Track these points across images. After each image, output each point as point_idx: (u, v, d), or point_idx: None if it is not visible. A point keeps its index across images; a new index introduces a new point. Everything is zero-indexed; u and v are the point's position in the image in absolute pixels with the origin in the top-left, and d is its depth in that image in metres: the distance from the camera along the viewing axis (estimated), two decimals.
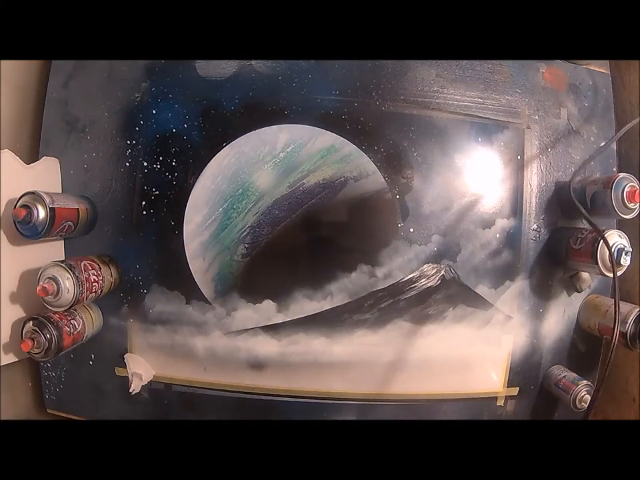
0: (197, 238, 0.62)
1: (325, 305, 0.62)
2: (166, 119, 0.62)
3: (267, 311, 0.62)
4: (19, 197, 0.53)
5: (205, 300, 0.62)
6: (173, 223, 0.62)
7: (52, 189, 0.61)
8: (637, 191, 0.56)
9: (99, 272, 0.57)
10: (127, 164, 0.62)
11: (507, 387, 0.66)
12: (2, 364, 0.56)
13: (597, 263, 0.57)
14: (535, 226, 0.66)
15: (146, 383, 0.63)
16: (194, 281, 0.62)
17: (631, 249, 0.56)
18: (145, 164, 0.62)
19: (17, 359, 0.58)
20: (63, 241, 0.63)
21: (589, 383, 0.62)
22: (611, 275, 0.57)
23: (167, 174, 0.62)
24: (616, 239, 0.57)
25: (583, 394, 0.60)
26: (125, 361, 0.62)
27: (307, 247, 0.64)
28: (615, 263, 0.55)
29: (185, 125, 0.62)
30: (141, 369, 0.62)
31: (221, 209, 0.62)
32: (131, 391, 0.62)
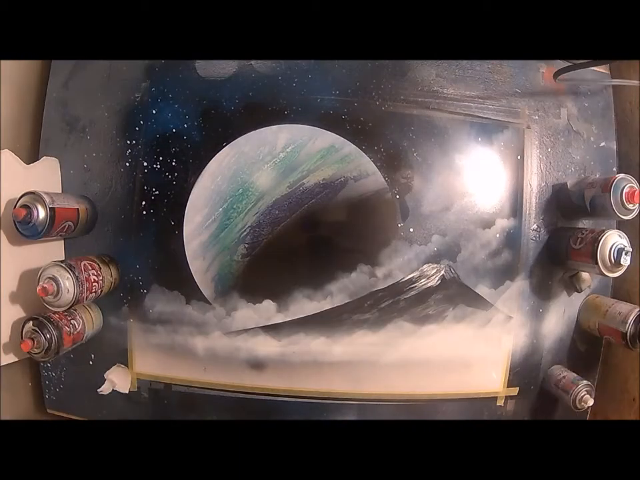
0: (196, 238, 0.62)
1: (325, 305, 0.62)
2: (166, 119, 0.62)
3: (267, 311, 0.62)
4: (19, 196, 0.53)
5: (205, 300, 0.62)
6: (172, 223, 0.62)
7: (52, 188, 0.61)
8: (636, 192, 0.56)
9: (98, 272, 0.57)
10: (127, 164, 0.62)
11: (507, 387, 0.66)
12: (2, 364, 0.56)
13: (596, 263, 0.57)
14: (534, 226, 0.66)
15: (117, 390, 0.64)
16: (194, 281, 0.62)
17: (630, 249, 0.56)
18: (145, 164, 0.62)
19: (17, 359, 0.58)
20: (62, 241, 0.63)
21: (589, 383, 0.62)
22: (611, 275, 0.58)
23: (167, 174, 0.62)
24: (616, 238, 0.57)
25: (582, 394, 0.60)
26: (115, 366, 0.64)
27: (307, 247, 0.64)
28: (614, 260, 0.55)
29: (185, 125, 0.62)
30: (117, 379, 0.63)
31: (220, 209, 0.62)
32: (99, 390, 0.63)
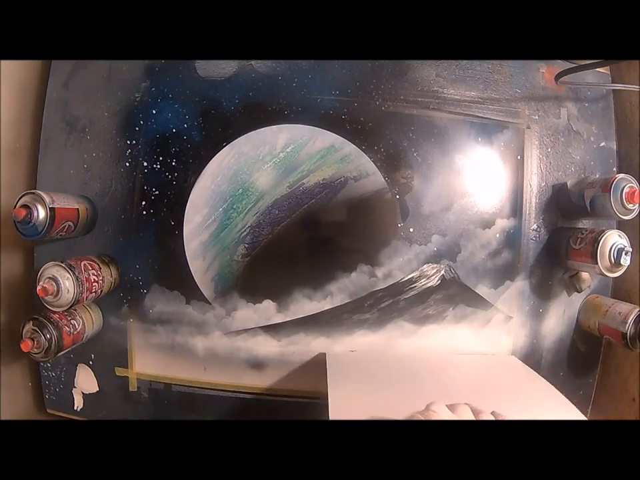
0: (196, 238, 0.62)
1: (325, 305, 0.62)
2: (166, 119, 0.62)
3: (267, 311, 0.62)
4: (19, 196, 0.53)
5: (205, 300, 0.62)
6: (172, 223, 0.62)
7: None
8: (636, 192, 0.56)
9: (98, 272, 0.58)
10: (127, 164, 0.62)
11: None
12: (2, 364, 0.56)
13: (596, 263, 0.57)
14: (534, 226, 0.66)
15: (88, 392, 0.65)
16: (194, 280, 0.62)
17: (630, 249, 0.56)
18: (145, 164, 0.62)
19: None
20: (63, 241, 0.63)
21: None
22: (611, 275, 0.58)
23: (167, 174, 0.62)
24: (616, 238, 0.57)
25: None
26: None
27: (307, 247, 0.64)
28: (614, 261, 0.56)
29: (185, 125, 0.62)
30: (83, 384, 0.64)
31: (221, 209, 0.62)
32: (75, 408, 0.65)
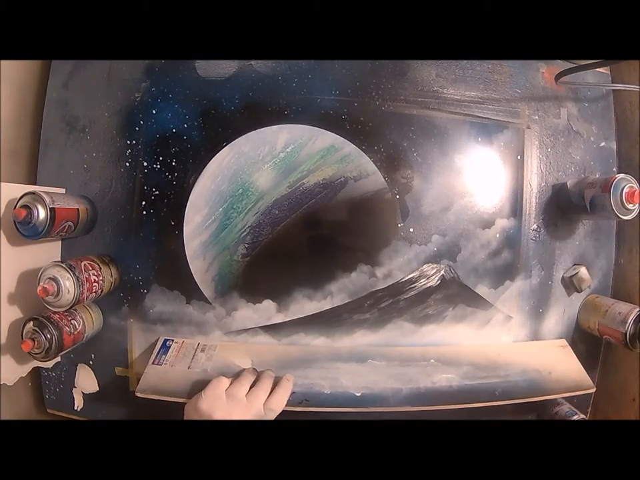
0: (197, 238, 0.62)
1: (325, 304, 0.62)
2: (166, 119, 0.62)
3: (267, 310, 0.62)
4: (19, 197, 0.53)
5: (205, 300, 0.62)
6: (172, 223, 0.62)
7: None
8: (636, 192, 0.56)
9: (99, 272, 0.57)
10: (127, 164, 0.62)
11: None
12: (6, 382, 0.56)
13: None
14: (534, 226, 0.66)
15: (89, 391, 0.65)
16: (194, 280, 0.62)
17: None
18: (145, 164, 0.62)
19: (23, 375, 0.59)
20: (63, 241, 0.63)
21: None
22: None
23: (167, 174, 0.62)
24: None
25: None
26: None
27: (307, 247, 0.64)
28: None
29: (185, 125, 0.62)
30: (82, 384, 0.65)
31: (221, 209, 0.62)
32: (75, 408, 0.65)
